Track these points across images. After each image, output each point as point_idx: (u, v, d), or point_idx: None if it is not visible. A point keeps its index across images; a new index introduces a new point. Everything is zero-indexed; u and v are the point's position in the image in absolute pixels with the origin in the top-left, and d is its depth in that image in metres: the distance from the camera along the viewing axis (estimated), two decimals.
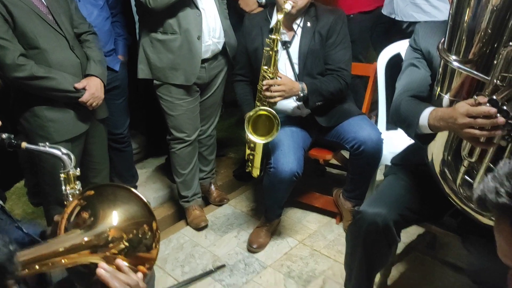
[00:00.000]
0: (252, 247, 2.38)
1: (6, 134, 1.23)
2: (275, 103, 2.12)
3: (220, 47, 2.37)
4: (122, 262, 0.84)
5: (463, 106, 1.25)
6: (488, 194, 0.61)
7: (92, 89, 1.96)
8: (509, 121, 1.17)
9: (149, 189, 2.82)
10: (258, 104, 2.17)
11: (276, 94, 2.08)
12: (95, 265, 0.87)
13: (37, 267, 0.80)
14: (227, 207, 2.76)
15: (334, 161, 2.74)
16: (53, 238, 0.90)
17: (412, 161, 1.74)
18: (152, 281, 1.41)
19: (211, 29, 2.28)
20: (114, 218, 0.93)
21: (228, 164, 3.14)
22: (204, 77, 2.37)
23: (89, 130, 2.07)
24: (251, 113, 2.10)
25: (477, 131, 1.23)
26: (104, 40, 2.33)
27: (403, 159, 1.79)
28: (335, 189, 2.57)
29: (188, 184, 2.57)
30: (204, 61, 2.31)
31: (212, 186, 2.81)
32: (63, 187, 1.28)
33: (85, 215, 0.93)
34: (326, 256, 2.32)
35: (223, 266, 1.29)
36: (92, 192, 0.95)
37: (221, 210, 2.74)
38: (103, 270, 0.74)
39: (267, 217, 2.44)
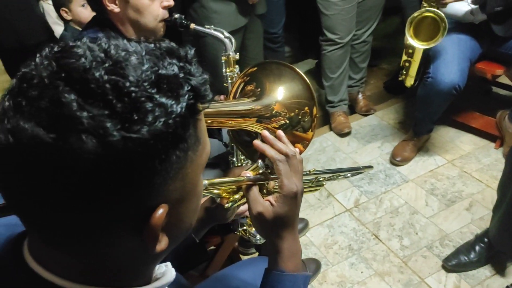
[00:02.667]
0: (396, 160, 2.31)
1: (178, 15, 1.33)
2: (446, 4, 1.89)
3: None
4: (282, 133, 0.86)
5: None
6: None
7: None
8: None
9: None
10: (425, 5, 1.96)
11: None
12: (256, 137, 0.91)
13: (209, 121, 0.87)
14: (373, 118, 2.68)
15: (503, 80, 2.43)
16: (226, 101, 0.96)
17: None
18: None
19: None
20: (279, 93, 0.93)
21: (379, 75, 3.01)
22: None
23: (247, 24, 2.13)
24: (415, 14, 1.91)
25: None
26: None
27: None
28: (500, 111, 2.30)
29: (335, 89, 2.54)
30: None
31: (360, 95, 2.74)
32: (224, 69, 1.37)
33: (251, 87, 0.95)
34: (477, 179, 2.15)
35: (370, 167, 1.27)
36: (255, 68, 0.96)
37: (367, 120, 2.68)
38: (266, 134, 0.79)
39: (416, 131, 2.32)
